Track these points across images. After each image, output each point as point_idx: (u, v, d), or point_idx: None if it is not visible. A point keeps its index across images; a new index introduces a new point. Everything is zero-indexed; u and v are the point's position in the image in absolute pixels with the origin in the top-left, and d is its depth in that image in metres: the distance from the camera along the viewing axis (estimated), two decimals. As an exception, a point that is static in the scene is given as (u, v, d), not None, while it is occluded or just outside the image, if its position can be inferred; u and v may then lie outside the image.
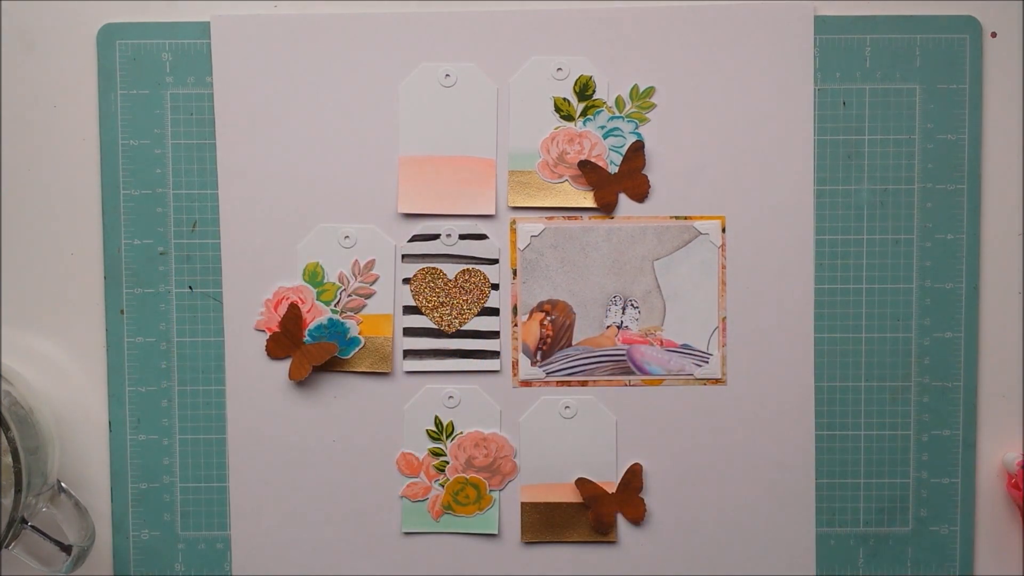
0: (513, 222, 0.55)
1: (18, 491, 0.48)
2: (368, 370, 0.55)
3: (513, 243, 0.55)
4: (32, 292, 0.55)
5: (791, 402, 0.55)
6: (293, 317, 0.54)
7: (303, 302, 0.54)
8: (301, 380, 0.54)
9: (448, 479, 0.55)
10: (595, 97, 0.54)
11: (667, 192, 0.54)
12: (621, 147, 0.54)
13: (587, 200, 0.54)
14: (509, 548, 0.55)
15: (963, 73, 0.54)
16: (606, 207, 0.54)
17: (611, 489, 0.55)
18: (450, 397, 0.55)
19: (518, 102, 0.54)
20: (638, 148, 0.54)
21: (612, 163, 0.54)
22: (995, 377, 0.55)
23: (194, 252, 0.54)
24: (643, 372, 0.55)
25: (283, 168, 0.54)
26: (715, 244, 0.54)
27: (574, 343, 0.55)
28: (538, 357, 0.55)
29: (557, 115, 0.54)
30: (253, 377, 0.55)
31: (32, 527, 0.50)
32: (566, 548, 0.55)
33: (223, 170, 0.54)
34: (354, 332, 0.54)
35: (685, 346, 0.55)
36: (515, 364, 0.55)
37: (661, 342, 0.55)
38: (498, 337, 0.55)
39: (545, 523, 0.55)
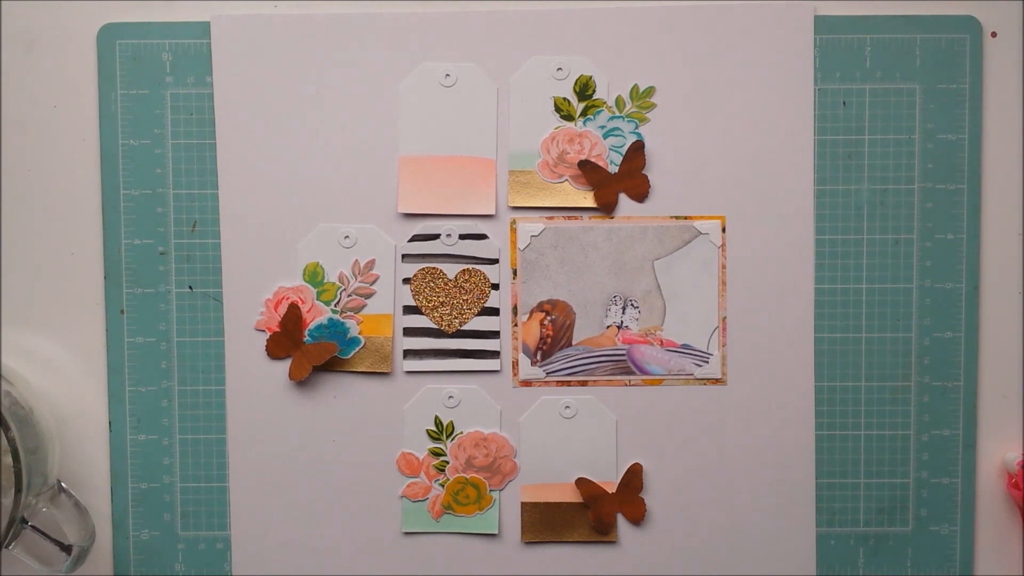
0: (513, 222, 0.55)
1: (18, 491, 0.48)
2: (368, 370, 0.55)
3: (513, 243, 0.55)
4: (32, 292, 0.55)
5: (791, 402, 0.55)
6: (293, 317, 0.54)
7: (303, 302, 0.54)
8: (301, 380, 0.54)
9: (448, 479, 0.55)
10: (595, 97, 0.54)
11: (667, 192, 0.54)
12: (621, 147, 0.54)
13: (587, 200, 0.54)
14: (509, 548, 0.55)
15: (963, 73, 0.54)
16: (606, 207, 0.54)
17: (611, 489, 0.55)
18: (450, 397, 0.55)
19: (518, 102, 0.54)
20: (638, 148, 0.54)
21: (612, 163, 0.54)
22: (995, 377, 0.55)
23: (194, 252, 0.54)
24: (643, 372, 0.55)
25: (283, 168, 0.54)
26: (715, 244, 0.54)
27: (574, 343, 0.55)
28: (538, 357, 0.55)
29: (557, 115, 0.54)
30: (253, 377, 0.55)
31: (32, 527, 0.50)
32: (566, 548, 0.55)
33: (223, 170, 0.54)
34: (354, 332, 0.54)
35: (685, 346, 0.55)
36: (515, 364, 0.55)
37: (661, 342, 0.55)
38: (498, 337, 0.55)
39: (545, 523, 0.55)
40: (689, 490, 0.55)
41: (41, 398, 0.54)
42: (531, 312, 0.55)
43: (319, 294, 0.54)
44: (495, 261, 0.55)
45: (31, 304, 0.55)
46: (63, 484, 0.52)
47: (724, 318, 0.55)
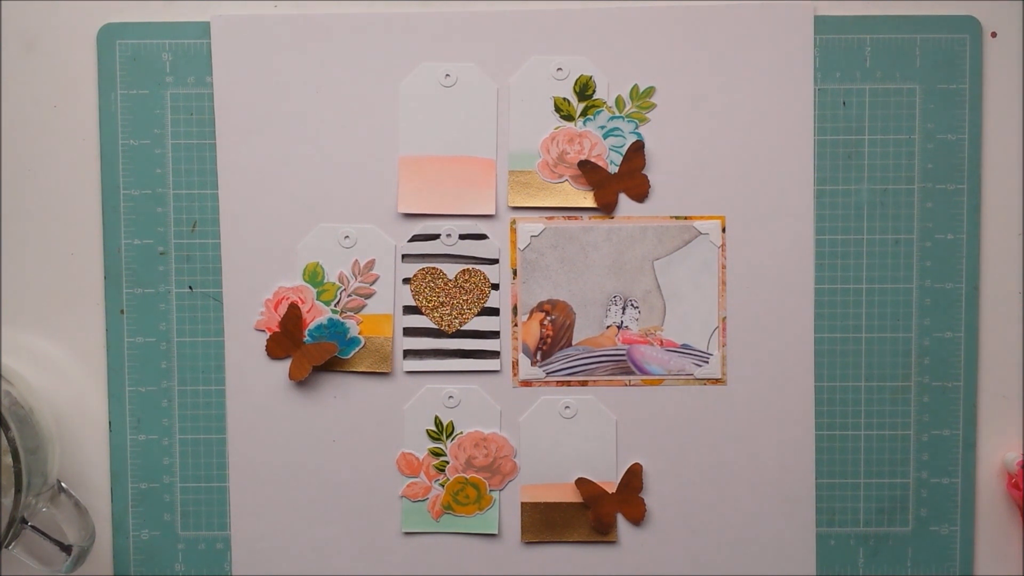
0: (513, 222, 0.55)
1: (18, 491, 0.48)
2: (368, 370, 0.55)
3: (513, 243, 0.55)
4: (32, 292, 0.55)
5: (791, 402, 0.55)
6: (293, 317, 0.54)
7: (303, 302, 0.54)
8: (301, 380, 0.54)
9: (448, 479, 0.55)
10: (595, 97, 0.54)
11: (667, 192, 0.54)
12: (621, 147, 0.54)
13: (587, 200, 0.54)
14: (509, 548, 0.55)
15: (963, 73, 0.54)
16: (606, 207, 0.54)
17: (611, 489, 0.55)
18: (450, 397, 0.55)
19: (518, 102, 0.54)
20: (638, 148, 0.54)
21: (612, 163, 0.54)
22: (995, 377, 0.55)
23: (194, 252, 0.54)
24: (643, 372, 0.55)
25: (283, 168, 0.54)
26: (715, 244, 0.54)
27: (574, 343, 0.55)
28: (538, 357, 0.55)
29: (557, 115, 0.54)
30: (253, 377, 0.55)
31: (32, 527, 0.50)
32: (566, 548, 0.55)
33: (223, 170, 0.54)
34: (354, 332, 0.54)
35: (685, 346, 0.55)
36: (515, 364, 0.55)
37: (661, 342, 0.55)
38: (498, 337, 0.55)
39: (545, 523, 0.55)
40: (689, 490, 0.55)
41: (41, 398, 0.54)
42: (531, 312, 0.55)
43: (319, 294, 0.54)
44: (495, 261, 0.55)
45: (31, 304, 0.55)
46: (63, 484, 0.52)
47: (724, 318, 0.55)
